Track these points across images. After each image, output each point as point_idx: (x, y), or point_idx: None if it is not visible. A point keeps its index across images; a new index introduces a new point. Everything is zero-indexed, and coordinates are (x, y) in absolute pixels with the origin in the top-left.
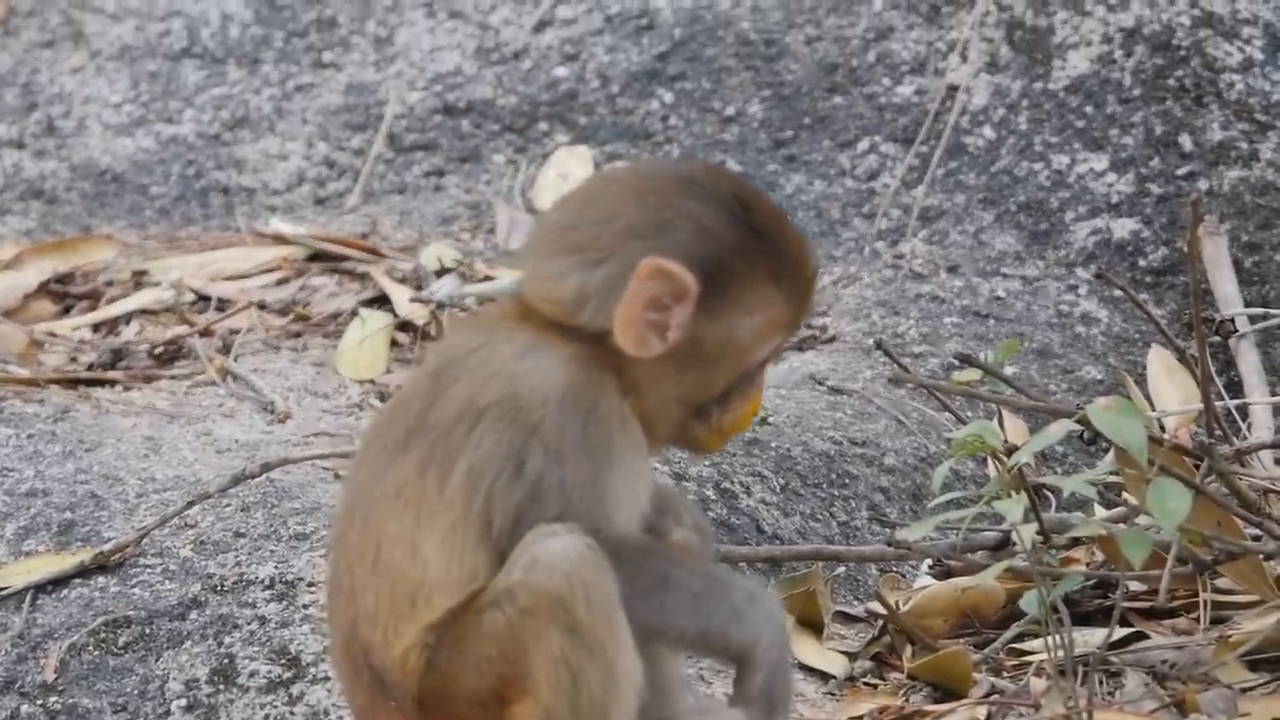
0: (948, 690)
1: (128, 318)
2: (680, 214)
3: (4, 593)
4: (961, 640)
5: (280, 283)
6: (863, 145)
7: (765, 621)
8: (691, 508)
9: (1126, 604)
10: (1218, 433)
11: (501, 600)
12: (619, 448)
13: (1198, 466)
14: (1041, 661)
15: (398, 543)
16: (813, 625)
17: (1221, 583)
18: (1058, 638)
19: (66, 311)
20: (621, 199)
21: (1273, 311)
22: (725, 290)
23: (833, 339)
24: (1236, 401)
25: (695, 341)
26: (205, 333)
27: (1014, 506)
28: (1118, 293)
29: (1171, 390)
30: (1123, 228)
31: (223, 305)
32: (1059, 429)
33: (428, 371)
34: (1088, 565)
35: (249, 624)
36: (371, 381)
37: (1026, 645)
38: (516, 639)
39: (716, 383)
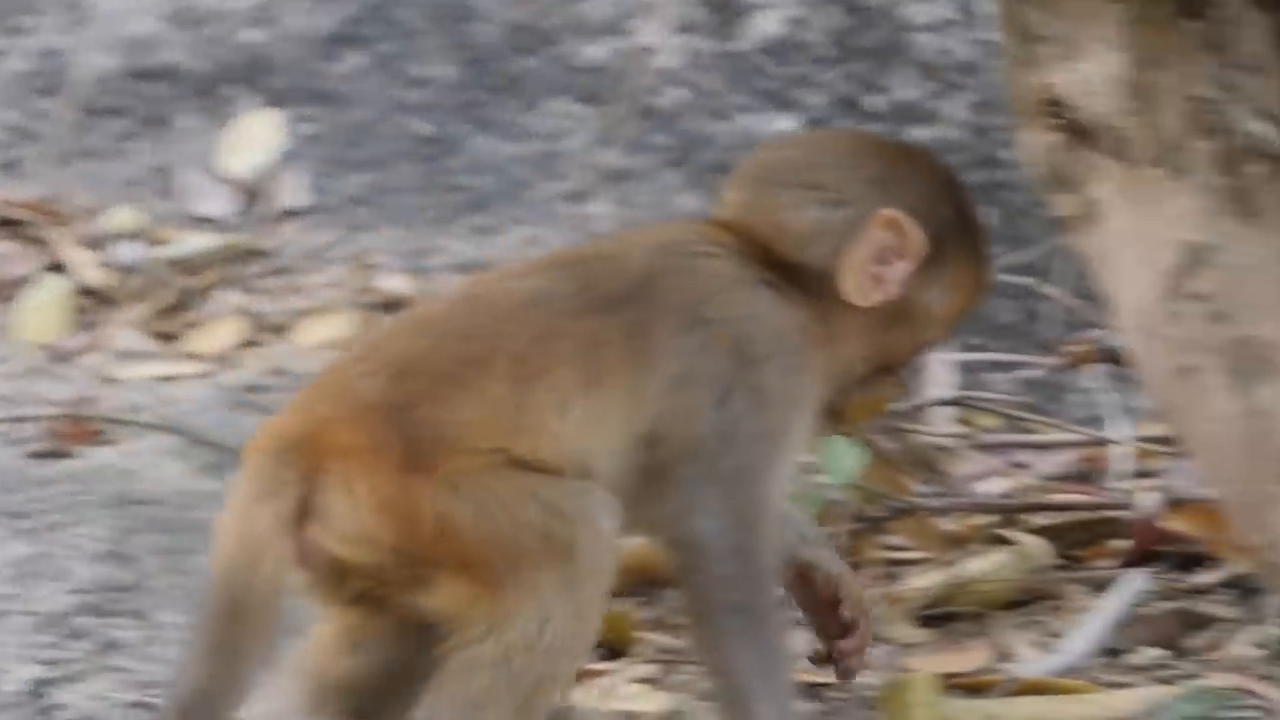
0: (614, 649)
1: None
2: (915, 176)
3: None
4: (636, 599)
5: None
6: (551, 106)
7: None
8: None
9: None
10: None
11: (553, 517)
12: (810, 408)
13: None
14: None
15: (559, 388)
16: None
17: (892, 539)
18: None
19: None
20: (862, 150)
21: None
22: (944, 261)
23: None
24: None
25: (905, 304)
26: None
27: None
28: None
29: None
30: None
31: None
32: None
33: (649, 246)
34: None
35: None
36: (50, 346)
37: None
38: (525, 542)
39: (902, 349)
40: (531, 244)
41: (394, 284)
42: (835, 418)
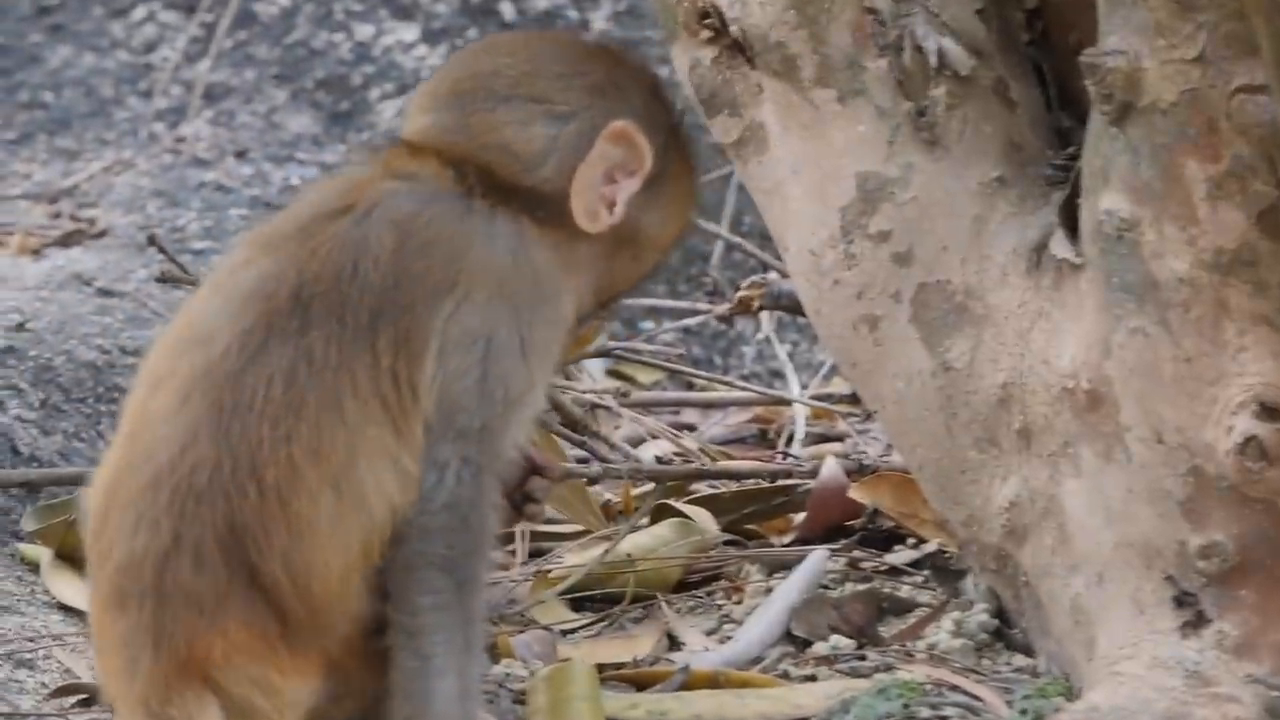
0: None
1: None
2: (635, 82)
3: None
4: None
5: None
6: (139, 13)
7: None
8: None
9: None
10: None
11: None
12: (558, 353)
13: None
14: None
15: (379, 454)
16: (73, 559)
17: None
18: None
19: None
20: (576, 55)
21: None
22: (665, 176)
23: (102, 233)
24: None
25: (631, 227)
26: None
27: None
28: None
29: None
30: None
31: None
32: None
33: (388, 247)
34: None
35: None
36: None
37: None
38: None
39: (629, 276)
40: (120, 168)
41: None
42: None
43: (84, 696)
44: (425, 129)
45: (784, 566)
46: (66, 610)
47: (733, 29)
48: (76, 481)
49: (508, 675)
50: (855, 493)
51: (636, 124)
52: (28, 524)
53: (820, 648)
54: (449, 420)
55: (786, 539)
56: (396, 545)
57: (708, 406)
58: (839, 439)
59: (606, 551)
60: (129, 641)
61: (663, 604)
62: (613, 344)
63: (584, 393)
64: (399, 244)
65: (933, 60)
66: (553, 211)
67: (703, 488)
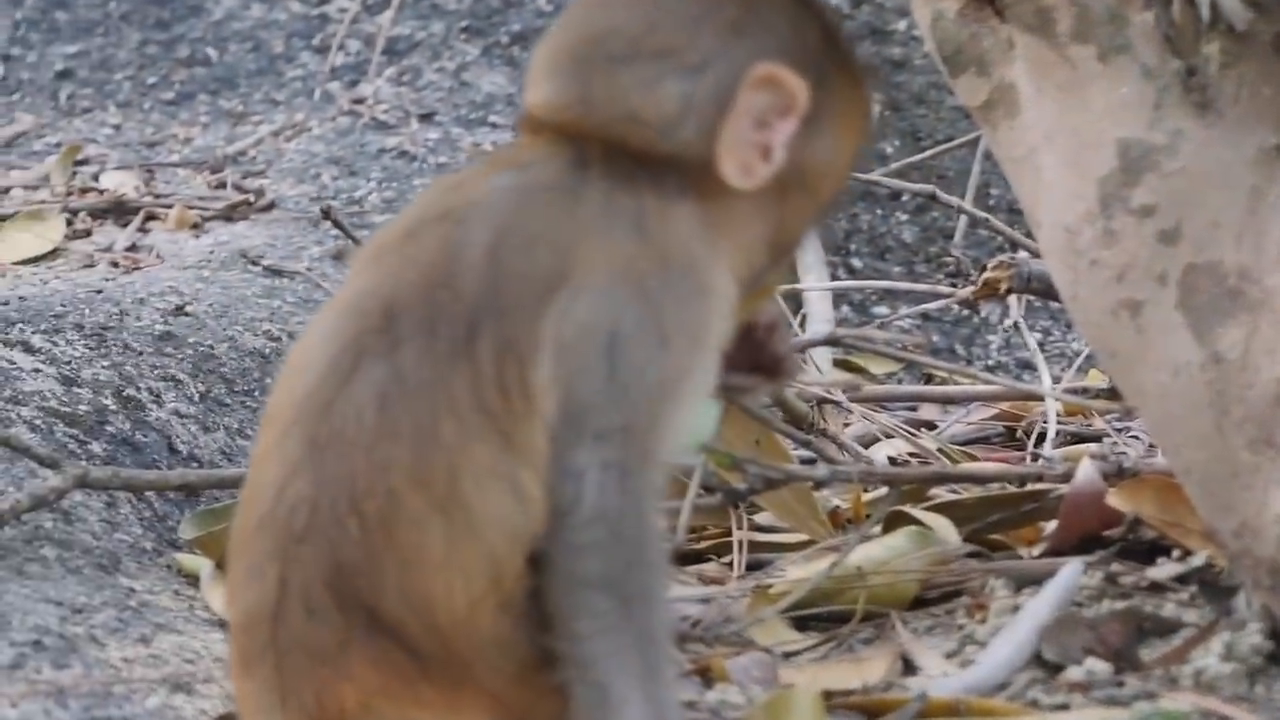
0: None
1: None
2: (770, 9)
3: None
4: None
5: None
6: None
7: None
8: None
9: None
10: None
11: None
12: (717, 341)
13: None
14: None
15: (488, 475)
16: None
17: (761, 518)
18: None
19: None
20: None
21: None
22: (827, 103)
23: (271, 206)
24: (785, 286)
25: (795, 168)
26: None
27: None
28: None
29: None
30: None
31: None
32: None
33: (481, 247)
34: None
35: None
36: None
37: None
38: None
39: (803, 219)
40: (292, 132)
41: (117, 182)
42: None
43: None
44: (544, 102)
45: (1033, 581)
46: (229, 628)
47: None
48: (240, 484)
49: (723, 703)
50: (1113, 499)
51: (784, 60)
52: (186, 531)
53: (1074, 673)
54: (579, 424)
55: (1036, 550)
56: (547, 570)
57: (948, 402)
58: (1095, 438)
59: (834, 564)
60: (259, 705)
61: (896, 623)
62: (842, 331)
63: (810, 386)
64: (497, 243)
65: (1205, 13)
66: (698, 176)
67: (942, 493)
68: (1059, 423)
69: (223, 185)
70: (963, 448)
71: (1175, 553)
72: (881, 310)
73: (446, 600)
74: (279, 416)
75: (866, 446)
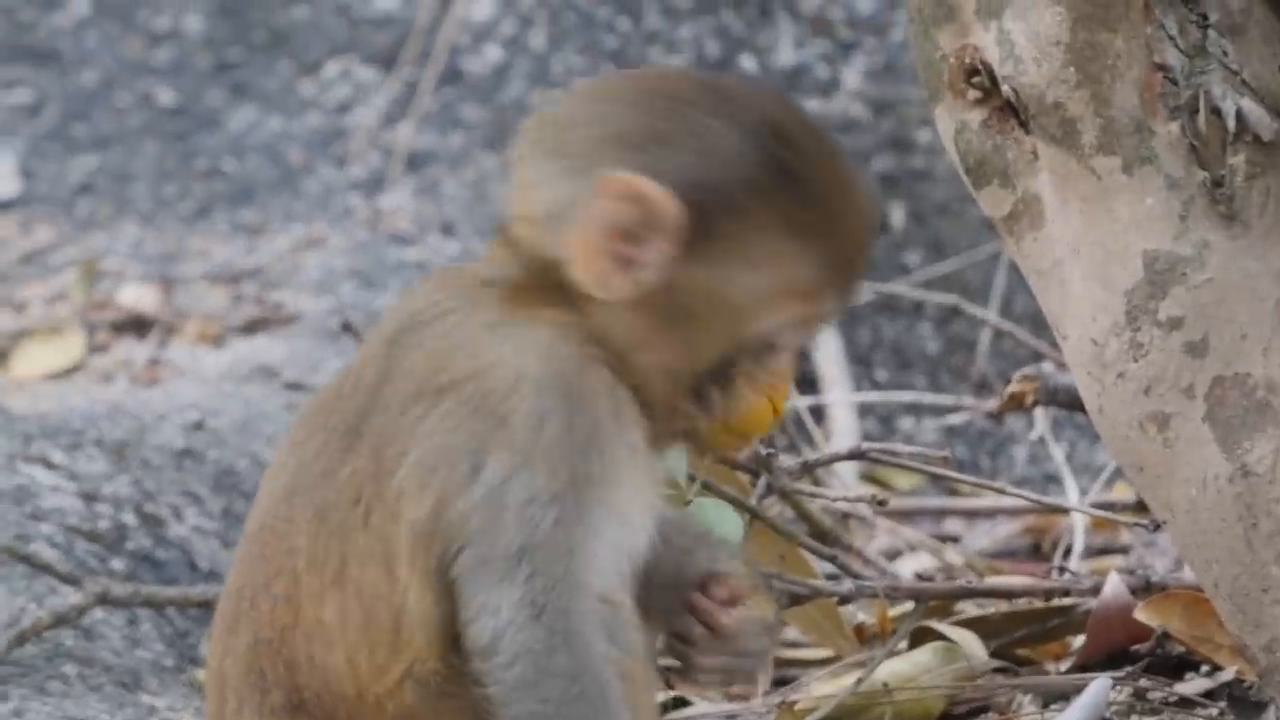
0: None
1: None
2: (690, 128)
3: None
4: None
5: None
6: (331, 69)
7: None
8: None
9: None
10: (781, 440)
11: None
12: (613, 454)
13: (754, 484)
14: None
15: (368, 558)
16: None
17: (787, 633)
18: None
19: None
20: (629, 99)
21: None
22: (721, 232)
23: (291, 319)
24: (810, 400)
25: (679, 292)
26: None
27: None
28: None
29: None
30: None
31: None
32: None
33: (383, 338)
34: None
35: None
36: None
37: None
38: None
39: (704, 351)
40: (311, 245)
41: (136, 297)
42: (700, 441)
43: None
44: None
45: (1061, 697)
46: None
47: (1004, 88)
48: None
49: None
50: (1141, 613)
51: (669, 180)
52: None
53: None
54: (468, 560)
55: (1064, 665)
56: (495, 710)
57: (974, 515)
58: (1123, 552)
59: (860, 680)
60: None
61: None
62: (867, 444)
63: (835, 500)
64: (395, 339)
65: (1231, 123)
66: (567, 287)
67: (969, 607)
68: (1086, 537)
69: (242, 299)
70: (989, 561)
71: (1204, 668)
72: (906, 423)
73: (350, 670)
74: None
75: (892, 560)
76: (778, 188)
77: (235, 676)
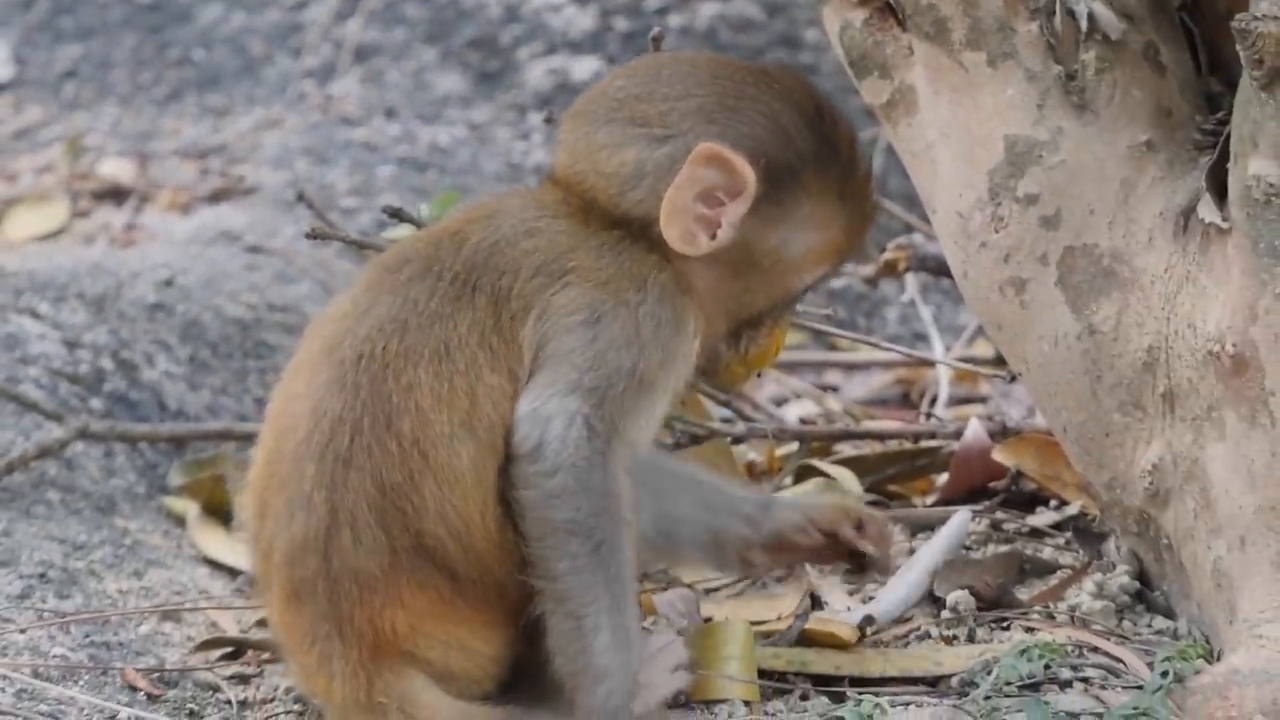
0: None
1: None
2: (755, 105)
3: None
4: None
5: None
6: None
7: (624, 670)
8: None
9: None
10: None
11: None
12: (685, 366)
13: None
14: None
15: (501, 397)
16: (220, 514)
17: None
18: None
19: None
20: (697, 78)
21: None
22: (788, 197)
23: (251, 190)
24: None
25: (746, 248)
26: None
27: None
28: None
29: None
30: (584, 67)
31: None
32: None
33: (476, 216)
34: None
35: None
36: None
37: None
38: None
39: (758, 299)
40: (269, 125)
41: (115, 169)
42: (718, 373)
43: (230, 650)
44: (559, 154)
45: (927, 527)
46: (212, 564)
47: None
48: (224, 437)
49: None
50: (998, 454)
51: (742, 149)
52: (175, 478)
53: (962, 609)
54: (553, 375)
55: (930, 500)
56: (522, 513)
57: (851, 368)
58: (982, 401)
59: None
60: (314, 635)
61: (805, 564)
62: None
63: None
64: (497, 228)
65: (1083, 24)
66: (655, 235)
67: (846, 448)
68: (949, 387)
69: (208, 172)
70: (864, 408)
71: (1053, 503)
72: None
73: (480, 520)
74: (306, 360)
75: (779, 406)
76: (829, 161)
77: (352, 515)
